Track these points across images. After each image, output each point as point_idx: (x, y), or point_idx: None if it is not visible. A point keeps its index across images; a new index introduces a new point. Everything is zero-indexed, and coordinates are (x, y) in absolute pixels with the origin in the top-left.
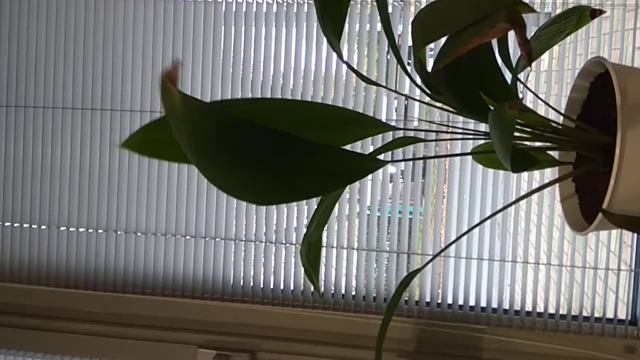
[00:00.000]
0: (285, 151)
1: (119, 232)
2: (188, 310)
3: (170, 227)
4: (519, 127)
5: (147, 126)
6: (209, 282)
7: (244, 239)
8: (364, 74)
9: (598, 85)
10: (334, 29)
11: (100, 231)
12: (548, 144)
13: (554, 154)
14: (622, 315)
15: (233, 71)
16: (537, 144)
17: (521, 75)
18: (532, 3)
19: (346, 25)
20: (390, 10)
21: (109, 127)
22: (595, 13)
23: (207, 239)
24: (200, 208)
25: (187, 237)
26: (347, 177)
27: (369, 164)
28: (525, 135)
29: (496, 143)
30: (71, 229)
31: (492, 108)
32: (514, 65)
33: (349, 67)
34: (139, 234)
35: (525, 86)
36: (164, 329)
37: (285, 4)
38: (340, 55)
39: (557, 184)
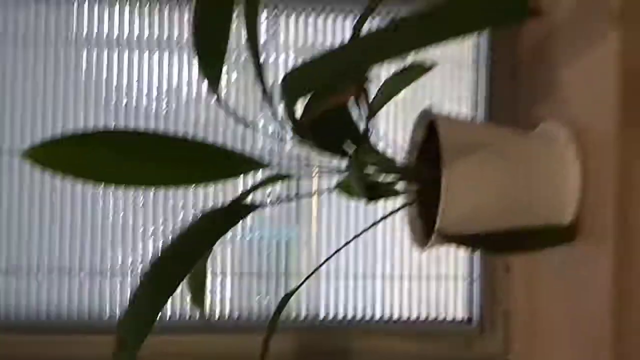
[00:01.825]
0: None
1: None
2: (72, 347)
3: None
4: (371, 165)
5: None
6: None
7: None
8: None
9: (432, 129)
10: (213, 75)
11: None
12: (395, 178)
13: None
14: (459, 316)
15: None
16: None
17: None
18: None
19: None
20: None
21: None
22: (430, 67)
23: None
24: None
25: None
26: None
27: (247, 209)
28: (374, 173)
29: (353, 183)
30: None
31: (349, 150)
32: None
33: (226, 111)
34: None
35: (371, 132)
36: None
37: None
38: (219, 99)
39: (403, 210)
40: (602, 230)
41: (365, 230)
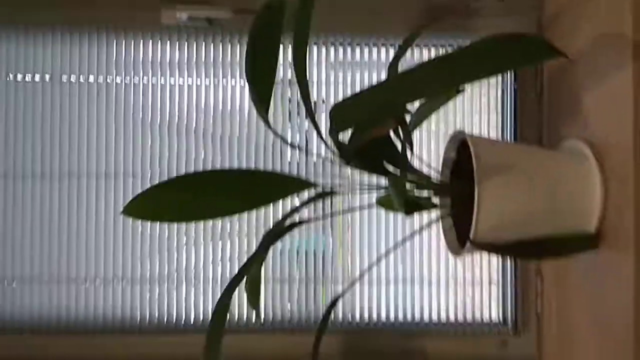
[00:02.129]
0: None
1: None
2: (132, 347)
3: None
4: (409, 182)
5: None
6: (150, 318)
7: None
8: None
9: (463, 148)
10: (262, 103)
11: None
12: (431, 193)
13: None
14: (494, 318)
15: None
16: (424, 193)
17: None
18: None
19: None
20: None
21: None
22: (459, 90)
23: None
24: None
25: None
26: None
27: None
28: (413, 188)
29: (393, 199)
30: None
31: (390, 170)
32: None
33: (277, 135)
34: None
35: (413, 154)
36: None
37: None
38: (269, 125)
39: (441, 222)
40: (623, 238)
41: (406, 239)
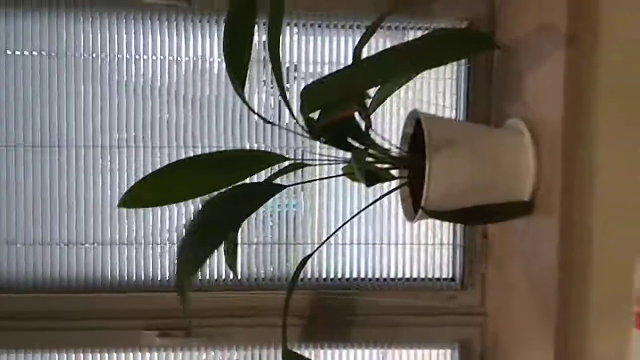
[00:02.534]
0: None
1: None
2: (131, 302)
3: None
4: (370, 157)
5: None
6: (148, 278)
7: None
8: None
9: (418, 125)
10: (239, 80)
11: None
12: (390, 165)
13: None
14: (445, 275)
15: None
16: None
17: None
18: None
19: None
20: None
21: None
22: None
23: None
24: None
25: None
26: (258, 204)
27: (275, 188)
28: (374, 161)
29: (356, 172)
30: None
31: (353, 145)
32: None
33: (252, 111)
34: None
35: (373, 131)
36: (113, 319)
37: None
38: (244, 101)
39: (398, 190)
40: (551, 206)
41: (368, 206)
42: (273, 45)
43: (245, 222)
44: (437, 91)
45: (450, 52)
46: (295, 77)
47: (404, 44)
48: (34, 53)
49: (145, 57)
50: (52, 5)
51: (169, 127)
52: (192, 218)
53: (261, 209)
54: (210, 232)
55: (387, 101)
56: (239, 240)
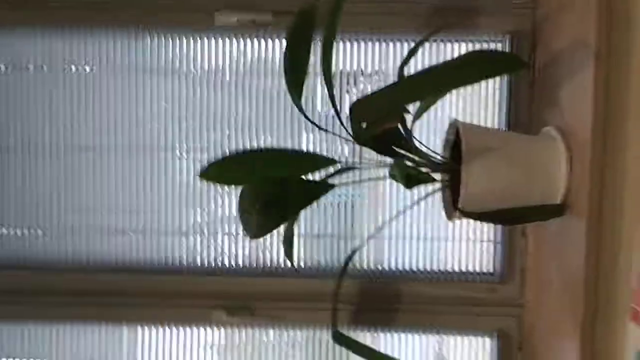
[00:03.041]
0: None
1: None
2: (201, 285)
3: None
4: (411, 162)
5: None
6: (215, 263)
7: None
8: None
9: (458, 133)
10: (296, 91)
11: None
12: (430, 170)
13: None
14: (485, 270)
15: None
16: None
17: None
18: None
19: None
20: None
21: None
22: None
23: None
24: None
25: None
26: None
27: (327, 186)
28: (415, 165)
29: (396, 176)
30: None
31: (397, 152)
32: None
33: (307, 118)
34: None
35: (417, 140)
36: (185, 298)
37: None
38: (301, 110)
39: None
40: (580, 209)
41: (411, 206)
42: (326, 62)
43: (306, 214)
44: (479, 102)
45: (480, 73)
46: (349, 87)
47: (441, 64)
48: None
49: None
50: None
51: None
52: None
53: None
54: (275, 211)
55: (433, 111)
56: (298, 232)
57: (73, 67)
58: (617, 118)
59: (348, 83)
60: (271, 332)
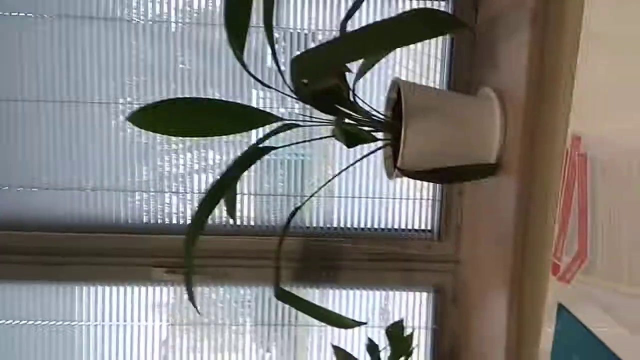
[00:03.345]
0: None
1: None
2: (143, 243)
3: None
4: (354, 120)
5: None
6: (155, 221)
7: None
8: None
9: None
10: (238, 45)
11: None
12: (372, 128)
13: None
14: (423, 227)
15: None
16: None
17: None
18: None
19: None
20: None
21: None
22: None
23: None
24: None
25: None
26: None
27: (266, 149)
28: (357, 124)
29: (337, 135)
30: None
31: (340, 110)
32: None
33: (251, 74)
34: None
35: (359, 98)
36: (125, 257)
37: None
38: (243, 65)
39: (382, 150)
40: (512, 167)
41: (351, 164)
42: (266, 15)
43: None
44: (423, 61)
45: (418, 32)
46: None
47: (380, 22)
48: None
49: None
50: None
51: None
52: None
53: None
54: (212, 192)
55: (378, 69)
56: (248, 191)
57: (7, 13)
58: (550, 80)
59: (306, 40)
60: (220, 290)
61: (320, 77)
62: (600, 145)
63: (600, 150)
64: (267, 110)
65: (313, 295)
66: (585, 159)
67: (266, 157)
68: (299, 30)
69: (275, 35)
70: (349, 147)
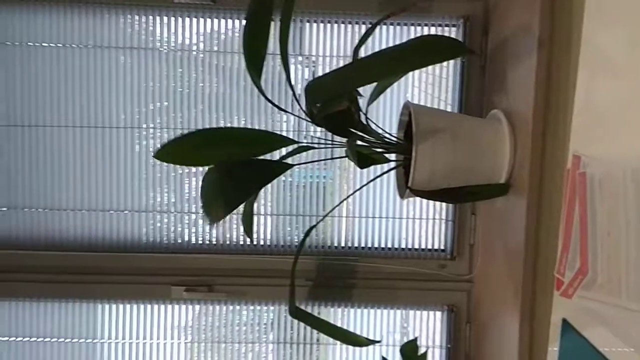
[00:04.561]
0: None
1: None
2: (163, 262)
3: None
4: (366, 142)
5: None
6: (175, 241)
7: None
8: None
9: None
10: (255, 71)
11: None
12: (384, 150)
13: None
14: (437, 247)
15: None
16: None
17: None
18: None
19: None
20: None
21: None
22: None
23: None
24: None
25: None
26: (271, 178)
27: (284, 166)
28: (369, 146)
29: (349, 156)
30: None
31: (352, 132)
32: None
33: (268, 100)
34: (126, 212)
35: (372, 121)
36: (146, 275)
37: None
38: (260, 90)
39: (395, 171)
40: (521, 187)
41: (363, 185)
42: (282, 43)
43: (272, 194)
44: (435, 84)
45: (425, 58)
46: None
47: (390, 49)
48: (68, 45)
49: (175, 49)
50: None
51: (197, 114)
52: (212, 178)
53: (288, 181)
54: (233, 192)
55: (391, 92)
56: (264, 212)
57: (38, 44)
58: (557, 101)
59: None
60: (230, 307)
61: (331, 101)
62: (598, 164)
63: (598, 168)
64: (291, 131)
65: (335, 314)
66: (585, 177)
67: (283, 178)
68: (320, 56)
69: (299, 59)
70: (361, 167)
